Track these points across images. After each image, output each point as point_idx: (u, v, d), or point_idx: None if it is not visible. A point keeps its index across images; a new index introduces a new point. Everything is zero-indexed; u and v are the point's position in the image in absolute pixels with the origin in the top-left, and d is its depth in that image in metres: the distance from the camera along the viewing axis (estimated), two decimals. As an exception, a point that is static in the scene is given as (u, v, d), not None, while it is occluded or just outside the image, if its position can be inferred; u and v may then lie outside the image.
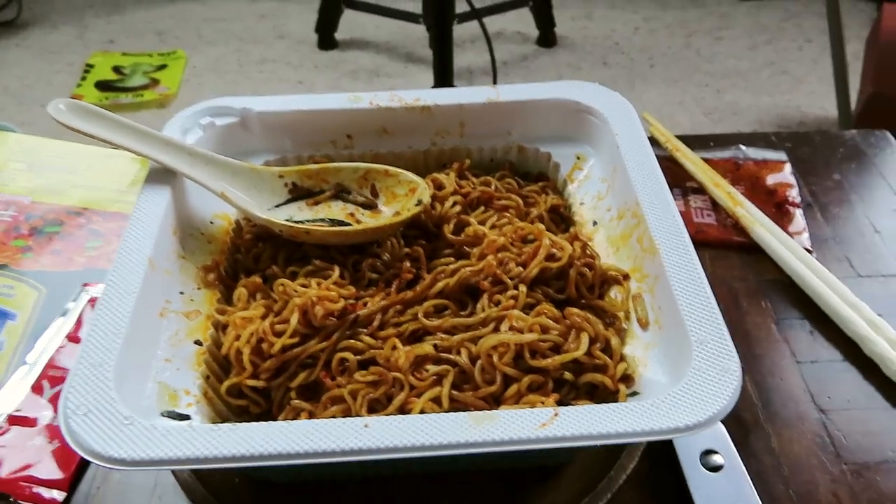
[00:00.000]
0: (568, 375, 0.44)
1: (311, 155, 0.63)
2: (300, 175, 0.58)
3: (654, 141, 0.80)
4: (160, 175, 0.55)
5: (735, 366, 0.41)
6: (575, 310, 0.46)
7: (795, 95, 2.04)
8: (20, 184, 0.77)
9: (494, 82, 1.75)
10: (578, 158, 0.62)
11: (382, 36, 2.28)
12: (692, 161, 0.77)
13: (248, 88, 2.06)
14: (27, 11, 2.33)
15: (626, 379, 0.45)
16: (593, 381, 0.45)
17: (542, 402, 0.42)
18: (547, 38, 2.23)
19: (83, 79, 2.10)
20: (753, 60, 2.20)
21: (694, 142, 0.81)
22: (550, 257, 0.51)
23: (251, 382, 0.47)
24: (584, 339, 0.45)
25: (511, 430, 0.38)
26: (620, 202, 0.56)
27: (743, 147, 0.80)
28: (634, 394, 0.45)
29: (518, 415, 0.39)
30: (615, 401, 0.45)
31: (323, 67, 2.17)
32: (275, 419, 0.48)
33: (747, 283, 0.66)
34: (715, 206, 0.74)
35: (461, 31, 1.86)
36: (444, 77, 1.71)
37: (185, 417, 0.44)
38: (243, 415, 0.49)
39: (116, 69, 2.13)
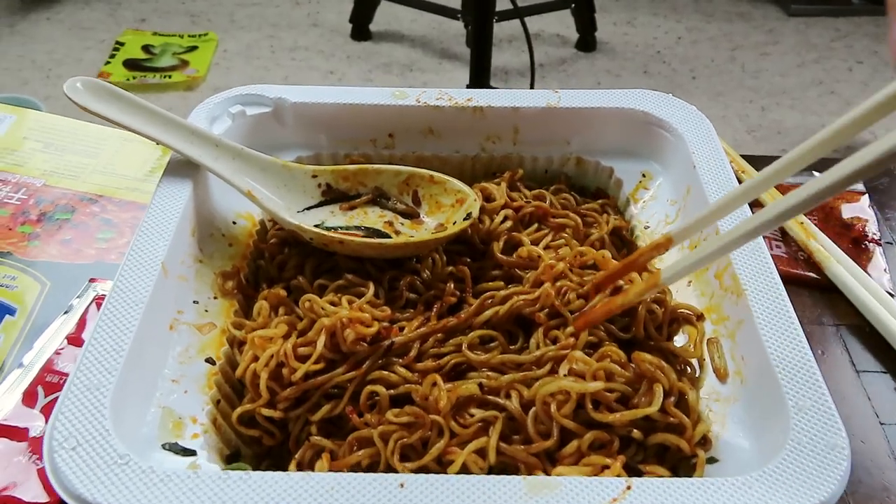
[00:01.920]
0: (637, 434, 0.38)
1: (348, 154, 0.57)
2: (335, 176, 0.52)
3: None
4: (181, 167, 0.49)
5: (843, 442, 0.34)
6: (645, 355, 0.40)
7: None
8: (35, 164, 0.72)
9: (532, 85, 1.68)
10: (644, 176, 0.56)
11: (418, 30, 2.22)
12: None
13: (279, 75, 2.01)
14: (60, -15, 2.29)
15: (703, 441, 0.39)
16: (665, 443, 0.38)
17: (609, 467, 0.36)
18: (587, 42, 2.16)
19: (112, 56, 2.06)
20: (800, 78, 2.11)
21: (760, 163, 0.74)
22: (617, 290, 0.44)
23: (266, 412, 0.42)
24: (658, 392, 0.38)
25: (574, 503, 0.32)
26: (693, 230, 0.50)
27: (816, 173, 0.73)
28: (713, 460, 0.39)
29: (583, 484, 0.33)
30: (690, 466, 0.38)
31: (355, 58, 2.11)
32: (290, 454, 0.42)
33: (822, 327, 0.60)
34: (784, 236, 0.67)
35: (498, 29, 1.80)
36: (480, 76, 1.64)
37: (191, 453, 0.38)
38: (254, 445, 0.43)
39: (146, 48, 2.09)
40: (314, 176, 0.52)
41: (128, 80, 1.95)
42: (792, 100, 2.02)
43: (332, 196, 0.52)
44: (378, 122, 0.56)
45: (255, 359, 0.43)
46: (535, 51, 1.65)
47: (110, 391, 0.36)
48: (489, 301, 0.45)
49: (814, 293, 0.62)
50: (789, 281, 0.63)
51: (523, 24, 1.63)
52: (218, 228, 0.51)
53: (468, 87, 1.64)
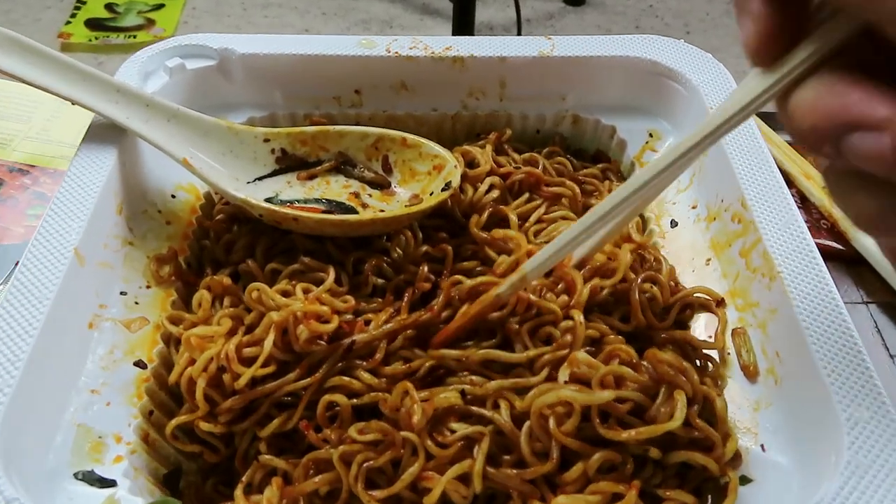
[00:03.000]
0: (654, 453, 0.31)
1: (308, 114, 0.49)
2: (292, 139, 0.44)
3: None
4: (105, 133, 0.41)
5: (912, 463, 0.28)
6: (662, 354, 0.33)
7: (844, 73, 1.88)
8: (-47, 130, 0.63)
9: (519, 41, 1.59)
10: (651, 136, 0.48)
11: (398, -16, 2.11)
12: (777, 146, 0.62)
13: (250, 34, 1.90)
14: (15, -61, 2.15)
15: (733, 457, 0.32)
16: (689, 462, 0.31)
17: (622, 496, 0.29)
18: (576, -5, 2.06)
19: (73, 16, 1.94)
20: (798, 32, 2.03)
21: (771, 119, 0.67)
22: (601, 271, 0.37)
23: (205, 426, 0.34)
24: (680, 401, 0.31)
25: (582, 551, 0.25)
26: (711, 197, 0.43)
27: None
28: (745, 480, 0.32)
29: (592, 525, 0.26)
30: (719, 488, 0.31)
31: (331, 15, 2.00)
32: (238, 473, 0.35)
33: (849, 305, 0.53)
34: (804, 201, 0.60)
35: (483, -18, 1.69)
36: (463, 32, 1.55)
37: (109, 483, 0.31)
38: (199, 458, 0.36)
39: (109, 7, 1.97)
40: (266, 140, 0.44)
41: (90, 40, 1.84)
42: (789, 55, 1.94)
43: (287, 163, 0.44)
44: (342, 77, 0.48)
45: (192, 362, 0.35)
46: (521, 4, 1.56)
47: (0, 412, 0.29)
48: (455, 295, 0.37)
49: (838, 266, 0.55)
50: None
51: (509, -24, 1.53)
52: (153, 204, 0.43)
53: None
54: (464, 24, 1.55)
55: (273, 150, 0.44)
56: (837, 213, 0.57)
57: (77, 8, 1.99)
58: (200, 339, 0.36)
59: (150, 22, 1.93)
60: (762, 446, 0.33)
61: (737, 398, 0.35)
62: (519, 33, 1.58)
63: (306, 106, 0.49)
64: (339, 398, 0.34)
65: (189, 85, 0.47)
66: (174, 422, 0.35)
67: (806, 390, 0.32)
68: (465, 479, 0.31)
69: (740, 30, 0.25)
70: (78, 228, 0.36)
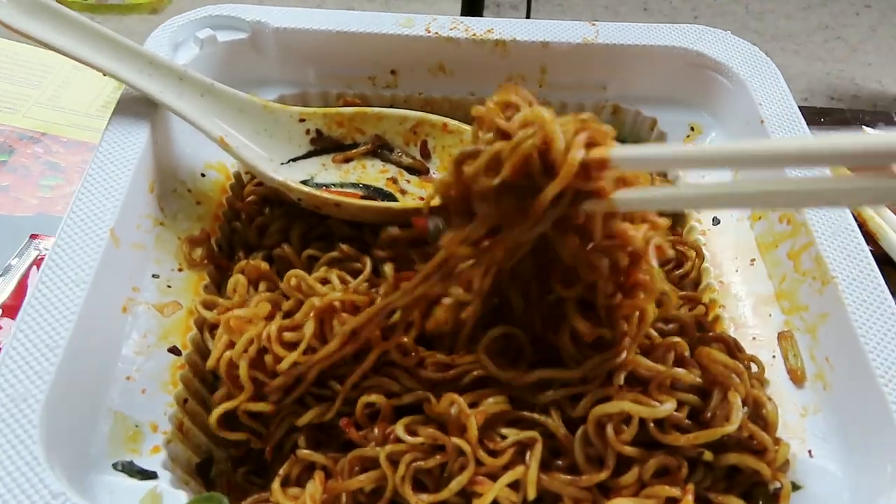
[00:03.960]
0: (708, 456, 0.30)
1: (342, 93, 0.47)
2: (328, 120, 0.43)
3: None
4: (137, 106, 0.40)
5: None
6: (716, 354, 0.32)
7: (850, 65, 1.87)
8: (-39, 94, 0.61)
9: (528, 16, 1.57)
10: (693, 130, 0.47)
11: (404, -45, 2.07)
12: None
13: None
14: None
15: (784, 462, 0.32)
16: (740, 465, 0.31)
17: (678, 500, 0.29)
18: (584, -26, 2.03)
19: (68, -27, 1.88)
20: (806, 22, 2.01)
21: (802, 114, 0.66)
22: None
23: (254, 408, 0.33)
24: (735, 403, 0.31)
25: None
26: (756, 197, 0.42)
27: (867, 129, 0.65)
28: (795, 487, 0.32)
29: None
30: (769, 495, 0.31)
31: (338, -16, 1.96)
32: (268, 463, 0.34)
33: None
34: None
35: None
36: (472, 6, 1.52)
37: (150, 475, 0.30)
38: (230, 448, 0.35)
39: (106, -35, 1.91)
40: (302, 120, 0.43)
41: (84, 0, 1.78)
42: (797, 45, 1.92)
43: (323, 145, 0.43)
44: (378, 56, 0.46)
45: (231, 345, 0.34)
46: (530, -18, 1.53)
47: (41, 402, 0.28)
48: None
49: (866, 267, 0.55)
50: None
51: (521, -48, 1.50)
52: (182, 182, 0.41)
53: (461, 12, 1.52)
54: (473, -1, 1.52)
55: (308, 131, 0.43)
56: (867, 213, 0.57)
57: (73, -35, 1.93)
58: (240, 321, 0.35)
59: (149, -17, 1.88)
60: (809, 452, 0.33)
61: (783, 402, 0.35)
62: (528, 10, 1.56)
63: (340, 85, 0.47)
64: (378, 398, 0.33)
65: (220, 58, 0.45)
66: (221, 408, 0.34)
67: (860, 398, 0.32)
68: (516, 485, 0.30)
69: None
70: (113, 208, 0.35)
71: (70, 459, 0.29)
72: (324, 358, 0.34)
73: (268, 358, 0.34)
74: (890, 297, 0.34)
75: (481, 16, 1.53)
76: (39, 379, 0.28)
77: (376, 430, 0.32)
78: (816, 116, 0.67)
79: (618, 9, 2.02)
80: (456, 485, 0.29)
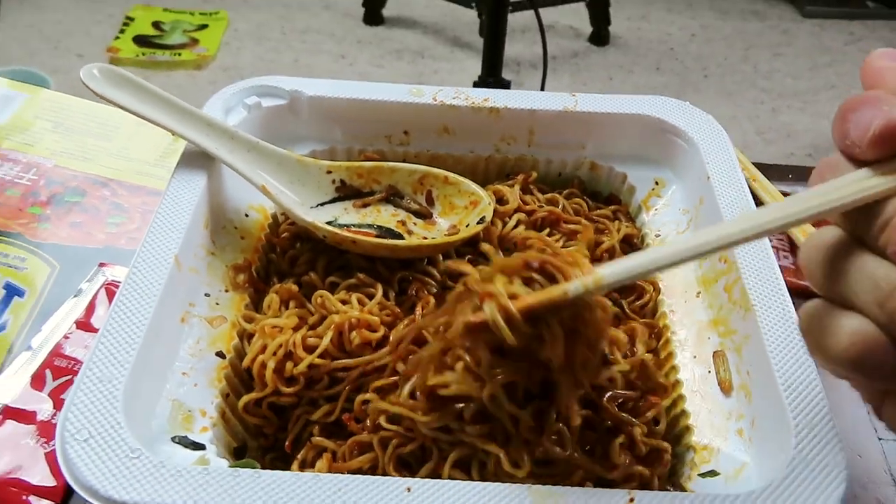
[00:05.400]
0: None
1: (363, 149, 0.57)
2: (350, 172, 0.52)
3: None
4: (196, 158, 0.49)
5: (842, 464, 0.35)
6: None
7: (855, 122, 1.94)
8: (45, 145, 0.72)
9: (544, 78, 1.68)
10: (657, 183, 0.56)
11: (431, 17, 2.21)
12: (770, 194, 0.70)
13: (289, 57, 2.00)
14: (72, -44, 2.27)
15: (703, 449, 0.39)
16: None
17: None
18: (600, 35, 2.15)
19: (122, 31, 2.05)
20: (813, 81, 2.10)
21: (771, 171, 0.74)
22: None
23: (285, 390, 0.42)
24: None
25: (579, 515, 0.32)
26: (704, 241, 0.50)
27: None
28: (713, 473, 0.39)
29: (587, 495, 0.33)
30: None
31: (367, 43, 2.10)
32: (290, 456, 0.42)
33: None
34: (793, 247, 0.67)
35: (511, 19, 1.79)
36: (493, 67, 1.63)
37: (200, 447, 0.39)
38: (260, 438, 0.44)
39: (156, 24, 2.08)
40: (329, 172, 0.52)
41: (137, 56, 1.94)
42: (803, 102, 2.01)
43: (346, 192, 0.52)
44: (394, 119, 0.56)
45: (264, 349, 0.43)
46: (547, 42, 1.64)
47: (122, 383, 0.37)
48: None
49: (820, 306, 0.62)
50: (798, 293, 0.63)
51: (538, 17, 1.62)
52: (230, 220, 0.51)
53: (480, 77, 1.64)
54: (493, 59, 1.63)
55: (334, 181, 0.52)
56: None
57: (126, 24, 2.10)
58: (273, 328, 0.43)
59: (194, 41, 2.04)
60: (729, 447, 0.40)
61: (714, 409, 0.42)
62: (544, 72, 1.66)
63: (362, 142, 0.57)
64: (371, 396, 0.41)
65: (264, 120, 0.55)
66: (247, 397, 0.42)
67: (768, 403, 0.39)
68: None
69: (858, 120, 0.24)
70: (177, 239, 0.44)
71: (140, 431, 0.37)
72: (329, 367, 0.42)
73: (288, 364, 0.43)
74: (794, 315, 0.41)
75: (500, 75, 1.64)
76: (121, 367, 0.37)
77: (368, 422, 0.41)
78: (784, 172, 0.75)
79: (632, 68, 2.12)
80: (425, 470, 0.37)
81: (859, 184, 0.25)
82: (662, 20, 2.32)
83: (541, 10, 1.63)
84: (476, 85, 1.60)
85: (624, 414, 0.39)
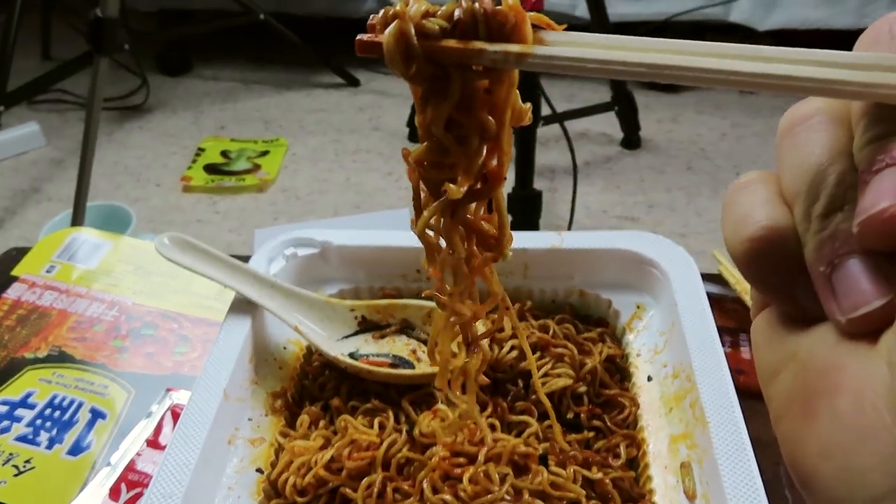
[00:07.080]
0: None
1: (382, 287, 0.67)
2: (370, 309, 0.62)
3: (722, 280, 0.80)
4: (243, 305, 0.60)
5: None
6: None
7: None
8: (126, 285, 0.85)
9: (574, 187, 1.78)
10: (639, 308, 0.64)
11: (471, 132, 2.37)
12: (736, 278, 0.76)
13: (341, 177, 2.18)
14: (153, 98, 2.56)
15: None
16: None
17: None
18: (631, 140, 2.26)
19: (194, 161, 2.27)
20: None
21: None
22: None
23: (301, 501, 0.50)
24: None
25: None
26: (676, 360, 0.57)
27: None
28: (674, 573, 0.45)
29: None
30: None
31: (412, 160, 2.26)
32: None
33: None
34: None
35: (546, 129, 1.91)
36: (525, 178, 1.75)
37: (242, 549, 0.47)
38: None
39: (224, 153, 2.30)
40: (352, 310, 0.62)
41: (206, 183, 2.15)
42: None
43: (366, 326, 0.62)
44: (407, 261, 0.66)
45: (288, 465, 0.52)
46: (581, 149, 1.75)
47: (180, 499, 0.46)
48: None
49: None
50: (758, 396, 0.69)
51: (564, 130, 1.74)
52: (271, 354, 0.61)
53: (514, 186, 1.76)
54: (525, 170, 1.75)
55: (356, 317, 0.62)
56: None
57: (198, 154, 2.33)
58: (300, 448, 0.52)
59: (257, 167, 2.25)
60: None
61: (680, 515, 0.48)
62: (574, 179, 1.77)
63: (381, 281, 0.67)
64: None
65: (299, 266, 0.66)
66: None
67: (721, 509, 0.45)
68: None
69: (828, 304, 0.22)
70: (227, 374, 0.54)
71: (193, 538, 0.46)
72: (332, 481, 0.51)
73: (308, 478, 0.51)
74: (744, 432, 0.48)
75: (532, 185, 1.75)
76: (180, 483, 0.47)
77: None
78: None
79: (664, 169, 2.20)
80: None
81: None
82: (692, 121, 2.42)
83: (574, 121, 1.75)
84: (509, 197, 1.71)
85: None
